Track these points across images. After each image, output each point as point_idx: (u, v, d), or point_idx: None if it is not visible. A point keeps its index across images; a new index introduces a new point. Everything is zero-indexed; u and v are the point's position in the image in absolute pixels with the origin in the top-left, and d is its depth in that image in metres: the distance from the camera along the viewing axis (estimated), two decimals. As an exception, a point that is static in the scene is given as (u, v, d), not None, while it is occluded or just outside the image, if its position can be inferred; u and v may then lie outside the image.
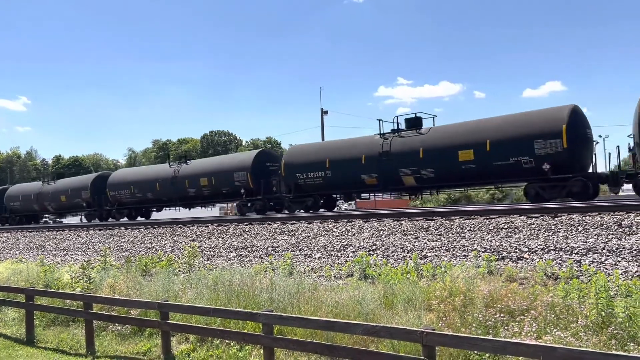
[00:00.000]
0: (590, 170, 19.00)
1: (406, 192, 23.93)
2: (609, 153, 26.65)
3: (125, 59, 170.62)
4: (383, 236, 13.67)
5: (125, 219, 32.38)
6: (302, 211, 24.55)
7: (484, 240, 11.82)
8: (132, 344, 10.23)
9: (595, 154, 19.17)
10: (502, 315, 7.47)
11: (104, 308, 11.28)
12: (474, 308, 7.80)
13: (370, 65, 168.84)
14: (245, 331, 8.75)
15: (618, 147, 18.84)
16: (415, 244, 12.49)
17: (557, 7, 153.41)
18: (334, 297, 9.18)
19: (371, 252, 12.54)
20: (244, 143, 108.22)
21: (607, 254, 9.73)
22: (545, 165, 18.20)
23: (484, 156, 19.49)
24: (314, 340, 7.74)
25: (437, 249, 11.90)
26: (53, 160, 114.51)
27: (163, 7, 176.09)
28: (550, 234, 11.32)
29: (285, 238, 15.52)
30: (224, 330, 8.80)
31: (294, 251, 14.00)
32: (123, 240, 20.42)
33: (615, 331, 6.56)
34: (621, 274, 8.77)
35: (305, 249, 14.09)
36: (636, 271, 8.90)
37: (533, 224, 12.06)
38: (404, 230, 13.71)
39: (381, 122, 23.16)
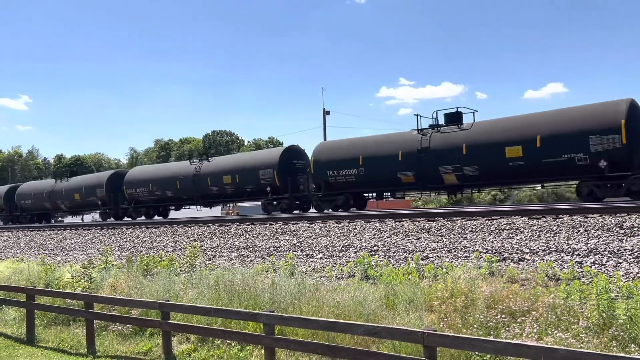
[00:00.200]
0: None
1: (445, 191, 22.69)
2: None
3: (127, 58, 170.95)
4: (385, 237, 13.66)
5: (143, 217, 31.11)
6: (330, 210, 23.45)
7: (485, 241, 11.82)
8: (133, 344, 10.23)
9: None
10: (503, 316, 7.47)
11: (104, 308, 11.28)
12: (475, 309, 7.79)
13: (372, 65, 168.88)
14: (247, 331, 8.75)
15: None
16: (417, 245, 12.49)
17: (558, 9, 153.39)
18: (335, 298, 9.18)
19: (373, 253, 12.54)
20: (245, 143, 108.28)
21: (609, 255, 9.72)
22: (601, 162, 17.10)
23: (534, 153, 18.37)
24: (315, 341, 7.74)
25: (438, 249, 11.90)
26: (55, 159, 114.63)
27: (164, 7, 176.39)
28: (552, 235, 11.31)
29: (287, 238, 15.53)
30: (225, 330, 8.80)
31: (295, 251, 14.01)
32: (124, 239, 20.44)
33: (616, 333, 6.55)
34: (622, 276, 8.77)
35: (306, 249, 14.09)
36: (637, 273, 8.89)
37: (534, 225, 12.05)
38: (405, 231, 13.71)
39: (419, 117, 21.93)
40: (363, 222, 15.43)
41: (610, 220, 11.34)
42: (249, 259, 14.33)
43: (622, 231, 10.72)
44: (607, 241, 10.35)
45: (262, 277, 11.38)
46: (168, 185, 29.89)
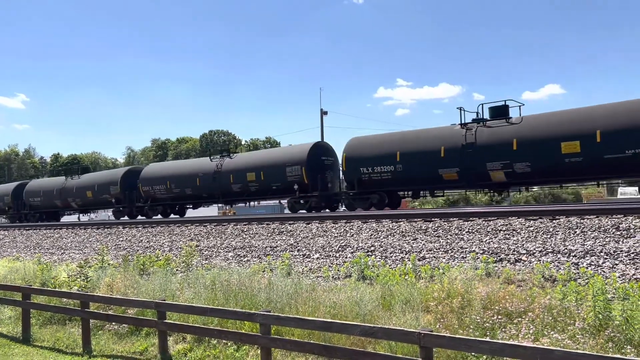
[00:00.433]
0: None
1: (491, 189, 21.49)
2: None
3: (125, 57, 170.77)
4: (381, 237, 13.66)
5: (159, 216, 30.01)
6: (359, 210, 22.36)
7: (482, 242, 11.83)
8: (129, 344, 10.21)
9: None
10: (499, 317, 7.47)
11: (101, 307, 11.25)
12: (472, 310, 7.80)
13: (369, 66, 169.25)
14: (243, 331, 8.73)
15: None
16: (414, 246, 12.49)
17: (556, 10, 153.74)
18: (331, 298, 9.17)
19: (369, 253, 12.53)
20: (243, 143, 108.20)
21: (605, 256, 9.74)
22: None
23: (593, 148, 17.32)
24: (312, 341, 7.73)
25: (435, 250, 11.90)
26: (51, 158, 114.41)
27: (163, 6, 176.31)
28: (549, 236, 11.33)
29: (284, 238, 15.52)
30: (221, 330, 8.79)
31: (292, 251, 13.99)
32: (121, 239, 20.39)
33: (612, 334, 6.56)
34: (618, 277, 8.78)
35: (303, 249, 14.08)
36: (633, 274, 8.91)
37: (531, 227, 12.06)
38: (402, 232, 13.71)
39: (462, 110, 20.64)
40: (360, 222, 15.43)
41: (607, 222, 11.36)
42: (245, 259, 14.31)
43: (618, 232, 10.74)
44: (604, 242, 10.37)
45: (258, 277, 11.37)
46: (187, 183, 28.72)
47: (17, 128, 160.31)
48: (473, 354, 6.40)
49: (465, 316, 7.70)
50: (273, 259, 13.32)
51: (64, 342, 10.91)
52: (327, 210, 24.48)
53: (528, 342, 6.48)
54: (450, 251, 11.65)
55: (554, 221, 12.13)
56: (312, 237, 14.94)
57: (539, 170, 18.62)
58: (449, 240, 12.35)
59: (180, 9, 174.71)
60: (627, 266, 9.24)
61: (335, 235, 14.72)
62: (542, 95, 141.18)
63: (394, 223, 14.62)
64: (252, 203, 31.83)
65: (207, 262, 14.52)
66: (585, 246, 10.33)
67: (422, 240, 12.80)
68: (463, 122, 20.60)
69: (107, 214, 46.26)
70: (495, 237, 11.92)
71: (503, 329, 7.20)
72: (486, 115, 20.49)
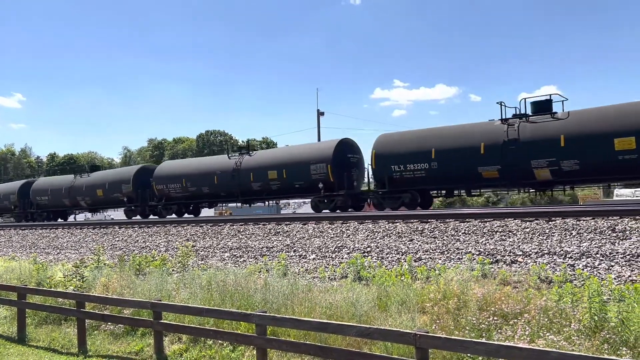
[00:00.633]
0: None
1: (534, 188, 20.47)
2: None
3: (122, 57, 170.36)
4: (378, 238, 13.67)
5: (174, 215, 29.09)
6: (385, 210, 21.47)
7: (478, 243, 11.84)
8: (125, 344, 10.19)
9: None
10: (495, 318, 7.48)
11: (96, 307, 11.23)
12: (468, 311, 7.80)
13: (366, 67, 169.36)
14: (239, 332, 8.73)
15: None
16: (410, 247, 12.50)
17: (553, 13, 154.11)
18: (327, 299, 9.17)
19: (366, 254, 12.54)
20: (239, 143, 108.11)
21: (601, 258, 9.76)
22: None
23: None
24: (307, 342, 7.74)
25: (431, 251, 11.91)
26: (47, 158, 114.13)
27: (160, 5, 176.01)
28: (545, 237, 11.35)
29: (280, 239, 15.51)
30: (217, 330, 8.78)
31: (288, 252, 13.99)
32: (117, 239, 20.35)
33: (607, 335, 6.58)
34: (614, 279, 8.81)
35: (299, 250, 14.07)
36: (629, 276, 8.93)
37: (527, 228, 12.08)
38: (398, 233, 13.72)
39: (503, 105, 19.67)
40: (356, 223, 15.43)
41: (603, 223, 11.39)
42: (241, 260, 14.30)
43: (614, 234, 10.76)
44: (600, 244, 10.40)
45: (254, 277, 11.36)
46: (204, 181, 27.70)
47: (13, 127, 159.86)
48: (469, 355, 6.41)
49: (461, 317, 7.71)
50: (269, 260, 13.31)
51: (59, 342, 10.88)
52: (352, 209, 23.51)
53: (524, 343, 6.49)
54: (446, 252, 11.66)
55: (550, 222, 12.16)
56: (309, 238, 14.94)
57: (588, 168, 17.73)
58: (445, 241, 12.37)
59: (178, 8, 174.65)
60: (623, 268, 9.26)
61: (332, 236, 14.72)
62: (538, 96, 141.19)
63: (390, 224, 14.63)
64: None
65: (203, 262, 14.50)
66: (581, 248, 10.35)
67: (419, 241, 12.81)
68: (504, 117, 19.69)
69: (106, 214, 45.98)
70: (492, 239, 11.94)
71: (499, 330, 7.21)
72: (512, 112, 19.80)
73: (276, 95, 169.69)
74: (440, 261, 11.18)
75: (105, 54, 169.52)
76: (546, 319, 7.15)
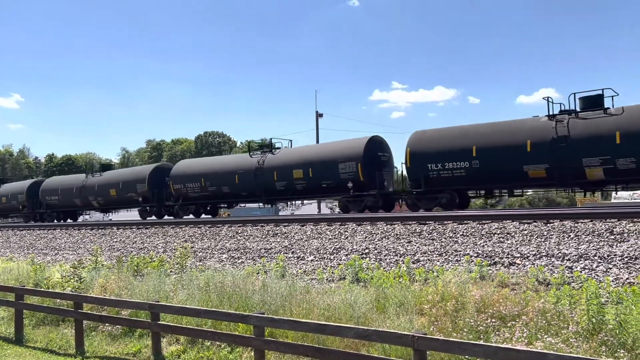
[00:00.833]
0: None
1: (583, 188, 19.27)
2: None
3: (122, 57, 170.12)
4: (376, 240, 13.67)
5: (191, 216, 28.34)
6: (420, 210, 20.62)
7: (476, 245, 11.85)
8: (122, 345, 10.17)
9: None
10: (493, 320, 7.48)
11: (94, 308, 11.21)
12: (466, 313, 7.81)
13: (365, 69, 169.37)
14: (236, 333, 8.71)
15: None
16: (408, 248, 12.51)
17: (551, 15, 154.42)
18: (325, 300, 9.16)
19: (364, 256, 12.54)
20: (238, 144, 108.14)
21: (599, 260, 9.77)
22: None
23: None
24: (305, 343, 7.73)
25: (429, 253, 11.91)
26: (46, 158, 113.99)
27: (160, 5, 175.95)
28: (543, 240, 11.36)
29: (278, 240, 15.51)
30: (214, 331, 8.77)
31: (286, 253, 13.99)
32: (115, 240, 20.33)
33: (605, 338, 6.58)
34: (612, 281, 8.82)
35: (298, 251, 14.07)
36: (627, 278, 8.94)
37: (525, 230, 12.10)
38: (397, 234, 13.72)
39: (550, 100, 18.60)
40: (354, 224, 15.43)
41: (601, 226, 11.41)
42: (239, 261, 14.30)
43: (612, 237, 10.78)
44: (598, 246, 10.41)
45: (252, 279, 11.36)
46: (225, 180, 26.71)
47: (11, 128, 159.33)
48: (466, 357, 6.40)
49: (459, 319, 7.71)
50: (267, 261, 13.31)
51: (56, 343, 10.86)
52: (382, 211, 22.34)
53: (522, 345, 6.50)
54: (444, 254, 11.66)
55: (548, 225, 12.17)
56: (307, 239, 14.94)
57: None
58: (443, 243, 12.37)
59: (177, 9, 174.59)
60: (621, 270, 9.27)
61: (330, 237, 14.72)
62: (536, 98, 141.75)
63: (388, 226, 14.63)
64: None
65: (201, 263, 14.50)
66: (579, 250, 10.36)
67: (417, 243, 12.82)
68: (551, 113, 18.67)
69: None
70: (490, 241, 11.95)
71: (497, 332, 7.21)
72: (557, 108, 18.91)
73: (274, 97, 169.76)
74: (438, 263, 11.18)
75: (105, 54, 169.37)
76: (544, 321, 7.15)
